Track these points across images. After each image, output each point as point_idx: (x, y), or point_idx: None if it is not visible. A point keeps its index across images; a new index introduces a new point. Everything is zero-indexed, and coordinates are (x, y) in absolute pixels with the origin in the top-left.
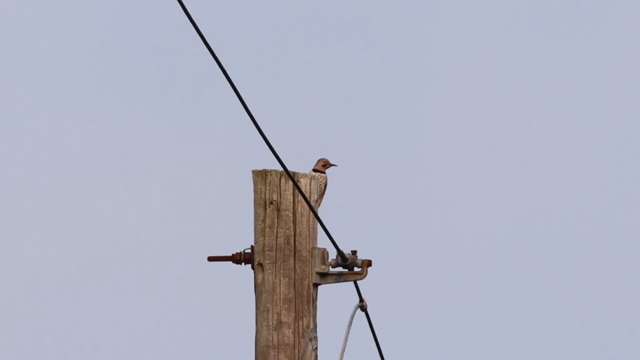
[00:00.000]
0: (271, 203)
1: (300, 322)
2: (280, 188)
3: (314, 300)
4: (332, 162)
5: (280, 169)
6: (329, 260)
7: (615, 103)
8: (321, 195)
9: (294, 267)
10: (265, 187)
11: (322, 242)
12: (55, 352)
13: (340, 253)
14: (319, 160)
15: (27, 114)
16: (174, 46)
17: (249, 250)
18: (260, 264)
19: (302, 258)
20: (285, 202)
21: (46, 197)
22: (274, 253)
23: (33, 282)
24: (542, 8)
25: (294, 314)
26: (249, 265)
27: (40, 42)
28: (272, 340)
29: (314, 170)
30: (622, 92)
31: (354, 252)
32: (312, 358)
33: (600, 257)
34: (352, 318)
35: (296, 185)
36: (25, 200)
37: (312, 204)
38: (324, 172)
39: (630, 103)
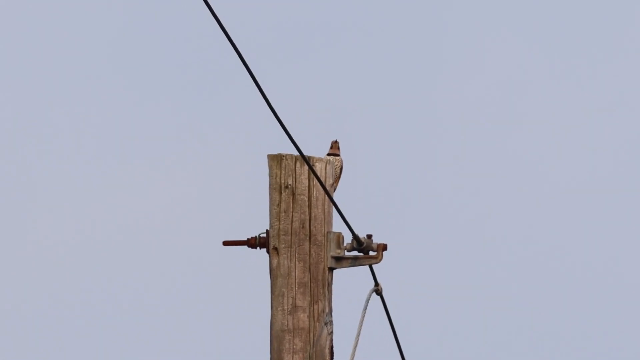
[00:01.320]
0: (286, 187)
1: (316, 306)
2: (295, 172)
3: (329, 284)
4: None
5: (296, 153)
6: (344, 244)
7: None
8: (337, 179)
9: (309, 251)
10: (281, 172)
11: (338, 226)
12: (69, 336)
13: (355, 237)
14: (333, 143)
15: (48, 105)
16: (190, 30)
17: (264, 235)
18: (276, 248)
19: (317, 242)
20: (301, 187)
21: (68, 182)
22: (289, 237)
23: (52, 265)
24: (557, 8)
25: (309, 298)
26: (264, 250)
27: (54, 32)
28: (288, 324)
29: (329, 154)
30: None
31: (369, 236)
32: (328, 342)
33: (627, 259)
34: (368, 302)
35: (312, 170)
36: (47, 186)
37: (328, 188)
38: (339, 155)
39: None
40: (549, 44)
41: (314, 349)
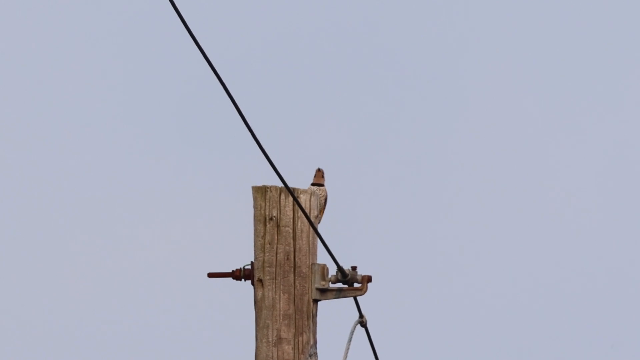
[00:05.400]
0: (271, 219)
1: (300, 338)
2: (280, 204)
3: (314, 316)
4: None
5: (280, 184)
6: (329, 276)
7: None
8: (321, 210)
9: (294, 283)
10: (265, 203)
11: (322, 257)
12: None
13: (340, 269)
14: (317, 171)
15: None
16: (174, 61)
17: (249, 267)
18: (260, 280)
19: (301, 274)
20: (285, 218)
21: (53, 214)
22: (274, 269)
23: (38, 301)
24: (576, 38)
25: (293, 330)
26: (249, 282)
27: (39, 64)
28: (272, 356)
29: (314, 184)
30: None
31: (353, 268)
32: None
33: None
34: (352, 334)
35: (296, 201)
36: (37, 217)
37: (312, 219)
38: (324, 185)
39: None
40: (563, 95)
41: None
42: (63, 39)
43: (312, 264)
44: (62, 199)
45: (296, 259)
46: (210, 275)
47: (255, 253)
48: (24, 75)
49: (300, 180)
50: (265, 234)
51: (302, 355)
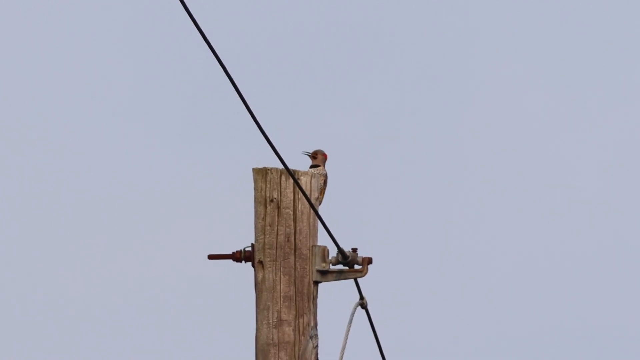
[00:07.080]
0: (271, 201)
1: (301, 320)
2: (280, 186)
3: (315, 298)
4: (306, 153)
5: (281, 166)
6: (330, 257)
7: None
8: (322, 191)
9: (295, 264)
10: (266, 185)
11: (323, 239)
12: (52, 352)
13: (340, 251)
14: (316, 153)
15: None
16: (175, 44)
17: (250, 248)
18: (261, 262)
19: (302, 256)
20: (286, 200)
21: (53, 198)
22: (275, 251)
23: (39, 283)
24: (579, 34)
25: (294, 312)
26: (250, 263)
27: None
28: (273, 338)
29: (312, 165)
30: None
31: (354, 250)
32: (313, 356)
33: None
34: (353, 316)
35: (297, 183)
36: (34, 203)
37: (313, 201)
38: (320, 165)
39: None
40: (573, 83)
41: None
42: (62, 34)
43: (312, 246)
44: (69, 184)
45: (297, 240)
46: (211, 257)
47: (255, 235)
48: (24, 75)
49: (301, 163)
50: (265, 215)
51: (302, 337)
